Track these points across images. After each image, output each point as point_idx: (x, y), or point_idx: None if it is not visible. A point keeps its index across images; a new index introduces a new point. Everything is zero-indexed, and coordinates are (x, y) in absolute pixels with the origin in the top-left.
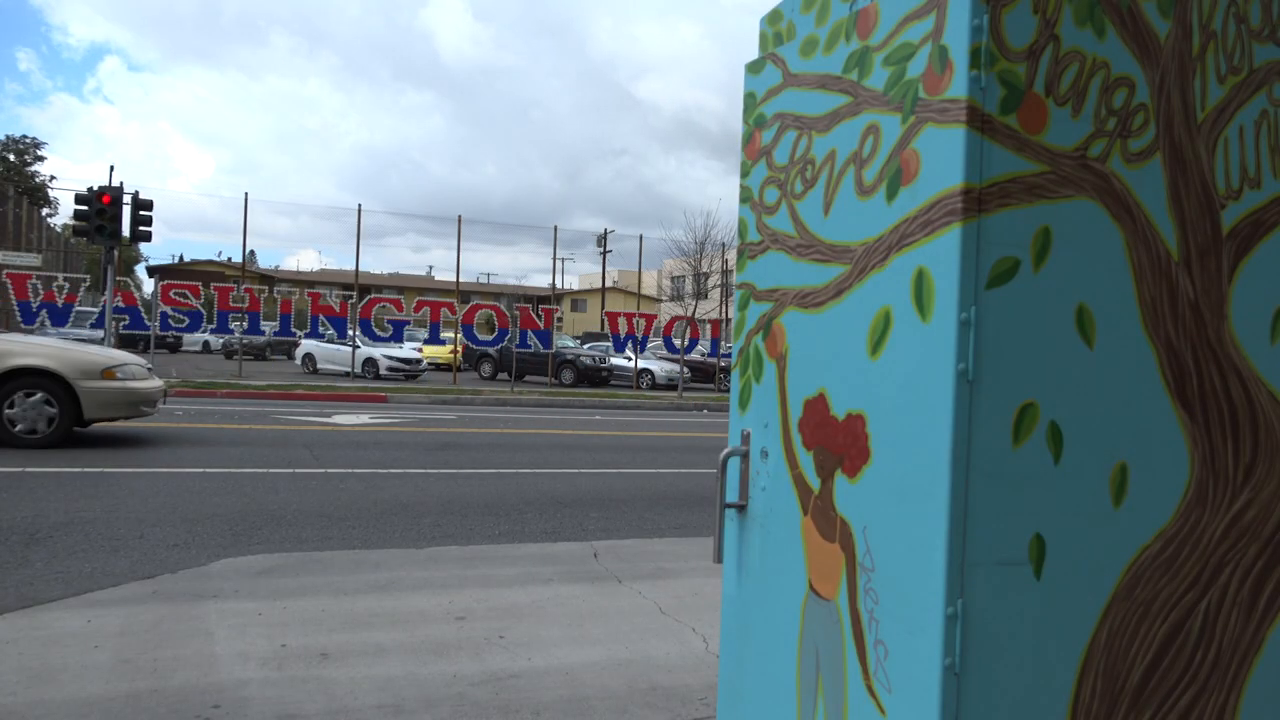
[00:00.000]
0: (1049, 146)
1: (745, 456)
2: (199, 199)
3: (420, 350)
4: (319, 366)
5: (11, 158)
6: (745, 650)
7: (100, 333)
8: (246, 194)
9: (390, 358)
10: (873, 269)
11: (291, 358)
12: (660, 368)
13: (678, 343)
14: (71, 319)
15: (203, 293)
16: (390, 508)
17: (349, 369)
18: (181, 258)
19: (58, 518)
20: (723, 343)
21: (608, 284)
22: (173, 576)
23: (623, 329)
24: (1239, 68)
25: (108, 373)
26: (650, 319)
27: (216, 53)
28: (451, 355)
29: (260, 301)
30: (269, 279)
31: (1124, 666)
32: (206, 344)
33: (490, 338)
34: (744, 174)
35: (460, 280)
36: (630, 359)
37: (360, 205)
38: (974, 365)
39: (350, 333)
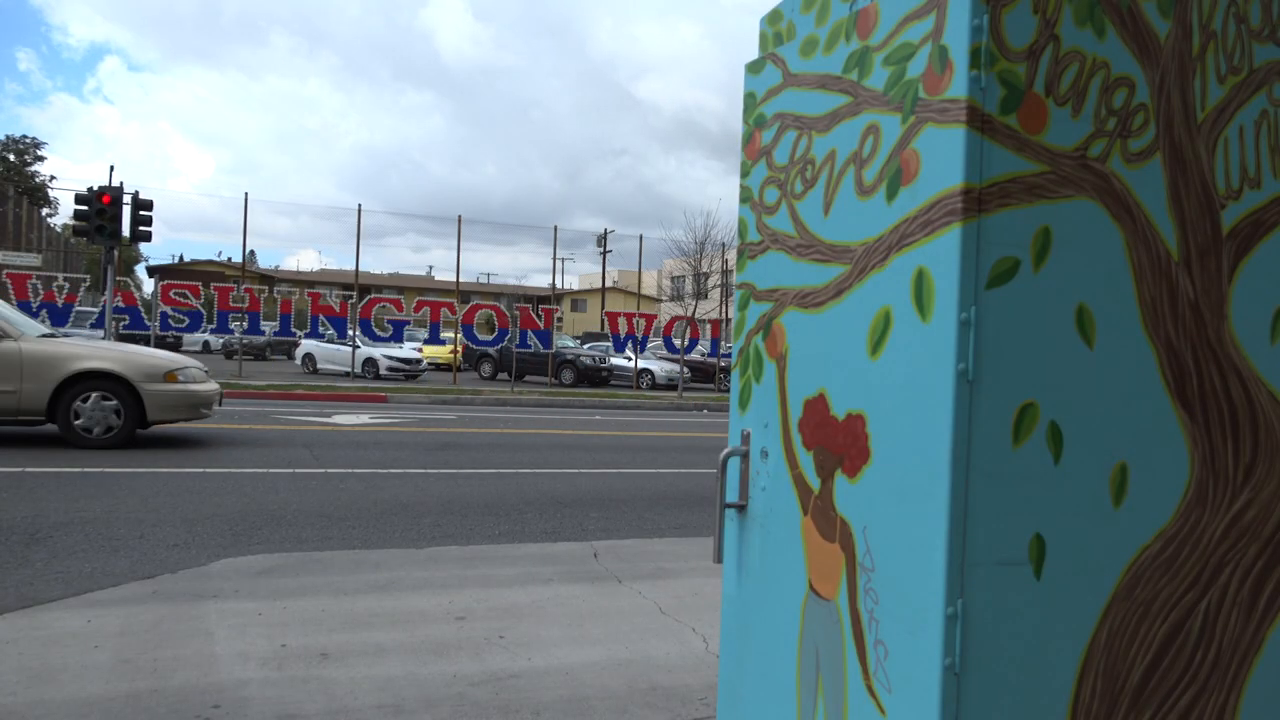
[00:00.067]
0: (1049, 146)
1: (745, 456)
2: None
3: (420, 350)
4: (319, 366)
5: (11, 158)
6: (745, 650)
7: (100, 333)
8: (246, 194)
9: (390, 358)
10: (873, 269)
11: (291, 358)
12: (660, 368)
13: (678, 343)
14: (71, 319)
15: (203, 293)
16: (390, 508)
17: (349, 369)
18: (181, 258)
19: (58, 518)
20: (723, 343)
21: (608, 284)
22: (173, 576)
23: (623, 329)
24: (1239, 68)
25: (170, 375)
26: (650, 319)
27: (216, 53)
28: (451, 355)
29: (260, 301)
30: (269, 279)
31: (1124, 666)
32: (206, 344)
33: (490, 338)
34: (744, 174)
35: (460, 280)
36: (630, 359)
37: (360, 205)
38: (974, 365)
39: (350, 333)
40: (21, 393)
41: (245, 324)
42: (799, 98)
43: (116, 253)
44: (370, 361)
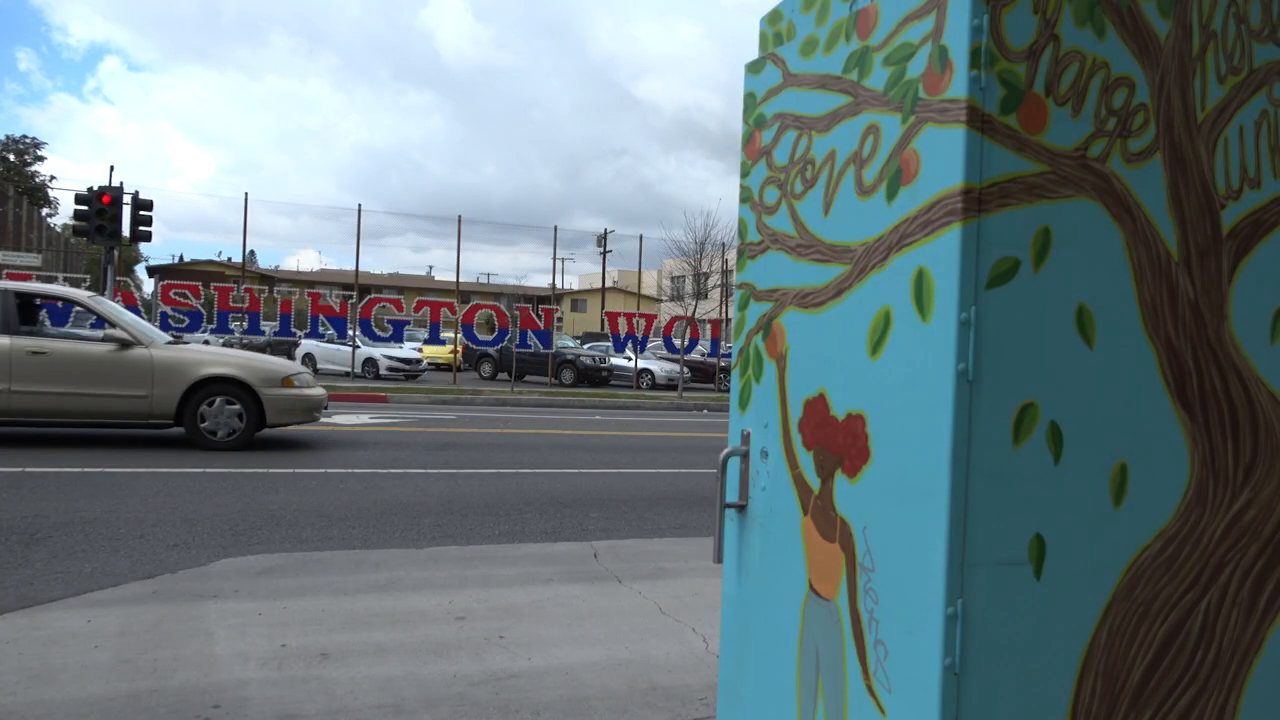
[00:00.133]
0: (1049, 146)
1: (745, 456)
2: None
3: (420, 350)
4: (319, 366)
5: (11, 158)
6: (745, 650)
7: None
8: (246, 194)
9: (390, 358)
10: (873, 269)
11: (291, 358)
12: (660, 368)
13: (678, 343)
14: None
15: (203, 293)
16: (390, 508)
17: (349, 369)
18: (181, 258)
19: (57, 517)
20: (723, 343)
21: (608, 284)
22: (173, 576)
23: (623, 329)
24: (1239, 68)
25: (287, 380)
26: (650, 319)
27: (216, 53)
28: (451, 355)
29: (260, 301)
30: (269, 279)
31: (1124, 666)
32: (206, 344)
33: (490, 338)
34: (744, 174)
35: (460, 280)
36: (630, 359)
37: (360, 205)
38: (974, 365)
39: (350, 333)
40: (153, 397)
41: (245, 324)
42: (799, 98)
43: (116, 253)
44: (370, 361)
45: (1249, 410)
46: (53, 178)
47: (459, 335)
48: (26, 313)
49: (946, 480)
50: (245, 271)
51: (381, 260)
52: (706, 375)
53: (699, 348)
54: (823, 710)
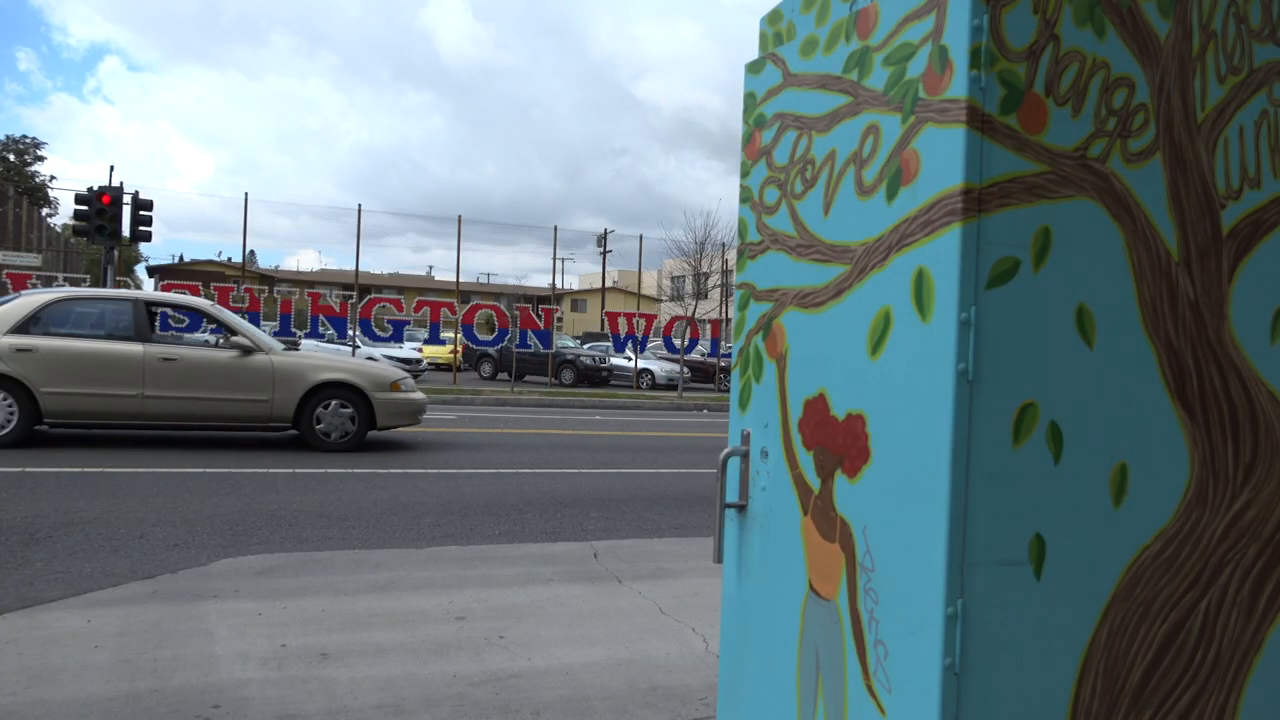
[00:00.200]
0: (1049, 146)
1: (745, 456)
2: (199, 199)
3: (420, 350)
4: None
5: (11, 158)
6: (745, 650)
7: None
8: (246, 194)
9: (390, 358)
10: (873, 269)
11: None
12: (660, 368)
13: (678, 343)
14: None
15: (203, 293)
16: (390, 507)
17: None
18: (181, 258)
19: (57, 518)
20: (723, 343)
21: (608, 284)
22: (173, 576)
23: (623, 329)
24: (1239, 68)
25: (395, 385)
26: (650, 319)
27: (216, 53)
28: (451, 355)
29: (260, 301)
30: (269, 279)
31: (1124, 666)
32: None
33: (490, 338)
34: (744, 174)
35: (460, 280)
36: (630, 359)
37: (360, 205)
38: (974, 365)
39: (350, 333)
40: (273, 401)
41: None
42: (799, 98)
43: (116, 253)
44: (370, 361)
45: (1249, 410)
46: (53, 178)
47: (459, 335)
48: (154, 321)
49: (946, 480)
50: (245, 271)
51: (381, 260)
52: (706, 375)
53: (699, 348)
54: (823, 710)
